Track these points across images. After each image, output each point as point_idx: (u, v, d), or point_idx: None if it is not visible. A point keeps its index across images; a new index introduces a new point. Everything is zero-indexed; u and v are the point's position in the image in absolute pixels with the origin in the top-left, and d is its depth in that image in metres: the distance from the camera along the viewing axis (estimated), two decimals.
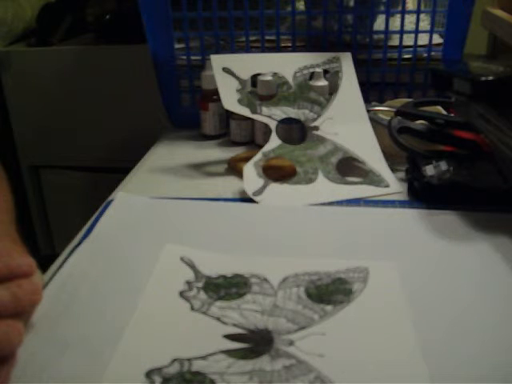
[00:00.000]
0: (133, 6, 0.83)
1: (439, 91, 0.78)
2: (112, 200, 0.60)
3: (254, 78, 0.71)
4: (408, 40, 0.80)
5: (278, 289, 0.44)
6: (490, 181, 0.57)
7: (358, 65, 0.76)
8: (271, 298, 0.42)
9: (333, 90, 0.72)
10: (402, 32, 0.79)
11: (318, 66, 0.73)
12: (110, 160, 1.15)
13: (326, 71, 0.73)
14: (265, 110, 0.68)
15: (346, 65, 0.74)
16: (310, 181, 0.62)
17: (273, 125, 0.67)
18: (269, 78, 0.71)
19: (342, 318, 0.40)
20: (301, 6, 0.83)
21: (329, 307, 0.41)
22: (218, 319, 0.40)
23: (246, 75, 0.70)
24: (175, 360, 0.36)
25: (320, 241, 0.51)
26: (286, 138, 0.67)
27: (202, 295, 0.43)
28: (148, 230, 0.53)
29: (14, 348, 0.35)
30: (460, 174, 0.57)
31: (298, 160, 0.64)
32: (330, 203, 0.59)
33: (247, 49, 0.80)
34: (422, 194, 0.59)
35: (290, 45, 0.80)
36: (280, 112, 0.68)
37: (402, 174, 0.65)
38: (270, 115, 0.68)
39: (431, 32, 0.78)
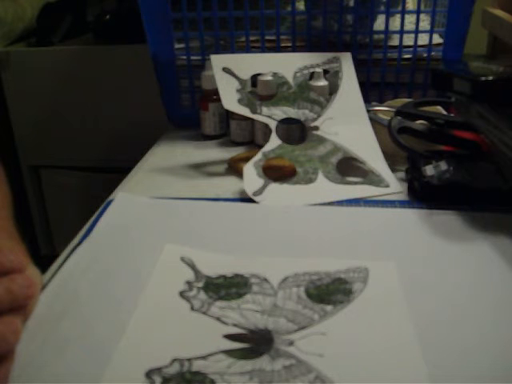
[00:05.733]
0: (133, 6, 0.83)
1: (439, 91, 0.78)
2: (112, 200, 0.60)
3: (254, 78, 0.71)
4: (408, 40, 0.80)
5: (278, 289, 0.44)
6: (489, 181, 0.57)
7: (358, 65, 0.76)
8: (271, 298, 0.42)
9: (333, 90, 0.72)
10: (401, 32, 0.79)
11: (317, 66, 0.73)
12: (110, 160, 1.15)
13: (325, 71, 0.73)
14: (265, 109, 0.68)
15: (346, 65, 0.74)
16: (309, 181, 0.62)
17: (273, 125, 0.67)
18: (269, 78, 0.71)
19: (341, 317, 0.40)
20: (301, 6, 0.83)
21: (329, 307, 0.41)
22: (218, 319, 0.40)
23: (246, 75, 0.70)
24: (175, 360, 0.36)
25: (320, 241, 0.51)
26: (286, 138, 0.67)
27: (202, 295, 0.43)
28: (148, 230, 0.53)
29: (12, 346, 0.34)
30: (460, 174, 0.57)
31: (298, 160, 0.64)
32: (330, 203, 0.59)
33: (247, 49, 0.80)
34: (422, 194, 0.59)
35: (289, 45, 0.80)
36: (280, 112, 0.68)
37: (402, 174, 0.65)
38: (270, 115, 0.68)
39: (431, 32, 0.78)
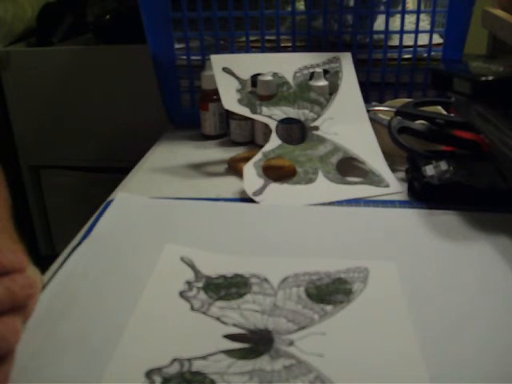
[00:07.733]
0: (133, 6, 0.83)
1: (439, 91, 0.78)
2: (112, 200, 0.60)
3: (254, 78, 0.71)
4: (408, 40, 0.80)
5: (278, 289, 0.44)
6: (489, 181, 0.57)
7: (358, 65, 0.76)
8: (271, 298, 0.42)
9: (333, 90, 0.72)
10: (402, 32, 0.79)
11: (317, 65, 0.73)
12: (110, 160, 1.15)
13: (325, 71, 0.73)
14: (265, 109, 0.68)
15: (346, 65, 0.74)
16: (309, 181, 0.62)
17: (273, 125, 0.67)
18: (269, 78, 0.71)
19: (341, 317, 0.40)
20: (301, 5, 0.83)
21: (329, 307, 0.41)
22: (218, 319, 0.40)
23: (246, 75, 0.70)
24: (175, 360, 0.36)
25: (320, 241, 0.51)
26: (286, 138, 0.67)
27: (202, 295, 0.43)
28: (148, 230, 0.53)
29: (12, 346, 0.34)
30: (460, 174, 0.57)
31: (298, 160, 0.64)
32: (330, 203, 0.59)
33: (247, 49, 0.80)
34: (422, 194, 0.59)
35: (290, 45, 0.80)
36: (280, 112, 0.68)
37: (402, 174, 0.65)
38: (270, 115, 0.68)
39: (431, 32, 0.78)
